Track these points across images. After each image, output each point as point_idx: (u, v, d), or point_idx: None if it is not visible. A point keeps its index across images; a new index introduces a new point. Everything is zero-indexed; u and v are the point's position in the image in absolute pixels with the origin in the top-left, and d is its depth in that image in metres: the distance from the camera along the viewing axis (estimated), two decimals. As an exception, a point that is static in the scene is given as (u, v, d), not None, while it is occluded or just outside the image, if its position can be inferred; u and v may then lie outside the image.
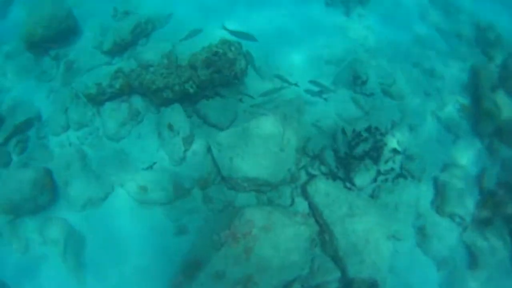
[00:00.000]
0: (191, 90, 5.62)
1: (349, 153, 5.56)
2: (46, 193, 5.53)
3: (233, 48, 5.77)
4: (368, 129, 5.71)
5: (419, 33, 6.68)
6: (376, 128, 5.73)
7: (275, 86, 5.91)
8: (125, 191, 5.58)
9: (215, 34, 6.10)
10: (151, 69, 5.88)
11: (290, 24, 6.58)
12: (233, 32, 5.42)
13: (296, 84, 5.56)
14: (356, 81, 6.13)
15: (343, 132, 5.65)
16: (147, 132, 5.80)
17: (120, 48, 6.20)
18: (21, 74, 6.32)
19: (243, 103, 5.88)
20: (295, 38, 6.48)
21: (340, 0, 6.67)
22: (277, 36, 6.50)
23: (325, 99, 5.83)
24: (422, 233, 5.51)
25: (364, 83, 6.11)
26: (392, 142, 5.80)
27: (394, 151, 5.75)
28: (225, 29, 5.47)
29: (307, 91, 5.65)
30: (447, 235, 5.50)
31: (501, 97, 6.13)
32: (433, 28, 6.74)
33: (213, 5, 6.63)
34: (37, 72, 6.29)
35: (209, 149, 5.57)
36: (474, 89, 6.34)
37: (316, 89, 5.64)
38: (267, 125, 5.41)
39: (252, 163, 5.34)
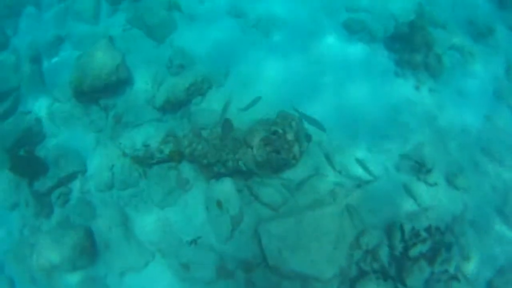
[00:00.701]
0: (245, 168, 5.28)
1: (405, 253, 5.22)
2: (85, 257, 5.44)
3: (293, 124, 5.35)
4: (428, 229, 5.32)
5: (491, 114, 6.10)
6: (437, 228, 5.35)
7: (317, 173, 5.54)
8: (166, 264, 5.40)
9: (274, 98, 5.73)
10: (204, 133, 5.54)
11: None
12: (303, 115, 5.02)
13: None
14: (420, 169, 5.67)
15: (401, 229, 5.28)
16: (194, 203, 5.51)
17: (172, 106, 5.80)
18: (68, 120, 6.03)
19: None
20: (357, 110, 6.00)
21: (411, 72, 6.06)
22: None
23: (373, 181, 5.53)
24: None
25: (429, 171, 5.66)
26: (451, 241, 5.42)
27: (452, 252, 5.38)
28: (296, 110, 5.06)
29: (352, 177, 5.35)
30: None
31: None
32: (507, 109, 6.15)
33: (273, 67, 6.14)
34: (85, 121, 5.97)
35: (257, 233, 5.29)
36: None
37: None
38: (323, 219, 5.10)
39: (302, 258, 5.07)
